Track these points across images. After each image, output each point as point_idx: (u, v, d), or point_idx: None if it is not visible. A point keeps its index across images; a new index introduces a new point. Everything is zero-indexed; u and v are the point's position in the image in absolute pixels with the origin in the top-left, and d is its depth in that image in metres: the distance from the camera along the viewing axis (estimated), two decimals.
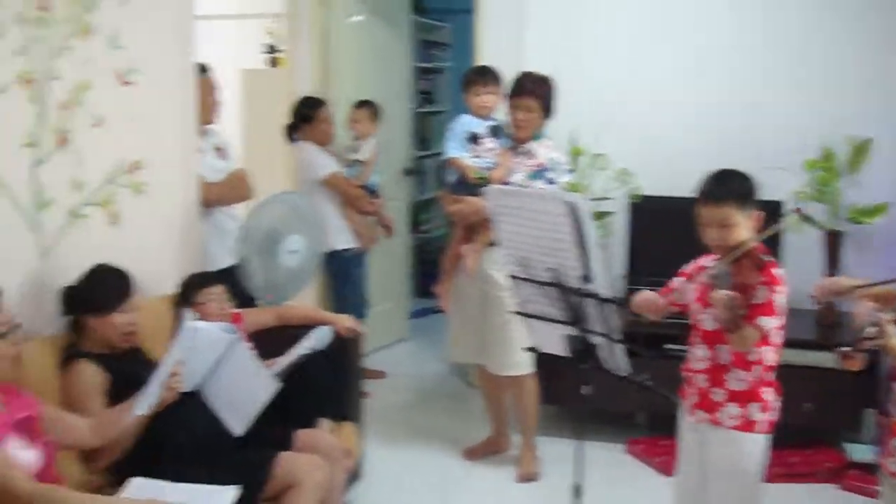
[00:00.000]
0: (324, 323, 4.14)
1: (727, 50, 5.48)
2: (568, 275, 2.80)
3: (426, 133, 8.85)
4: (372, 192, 5.96)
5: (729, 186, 3.11)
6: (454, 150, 4.66)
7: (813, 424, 4.93)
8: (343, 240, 5.84)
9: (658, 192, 5.19)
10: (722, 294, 2.90)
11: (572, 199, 2.74)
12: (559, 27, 5.66)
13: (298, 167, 5.86)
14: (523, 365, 4.68)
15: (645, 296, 3.35)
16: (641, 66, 5.52)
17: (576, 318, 2.83)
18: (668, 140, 5.48)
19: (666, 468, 4.64)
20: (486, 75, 4.73)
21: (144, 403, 3.13)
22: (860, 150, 5.11)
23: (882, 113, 5.24)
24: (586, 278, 2.74)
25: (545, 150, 4.62)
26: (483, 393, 5.12)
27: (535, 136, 4.64)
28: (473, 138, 4.66)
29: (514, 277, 3.00)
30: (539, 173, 4.56)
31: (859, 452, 4.78)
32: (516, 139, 4.66)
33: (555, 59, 5.11)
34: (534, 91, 4.58)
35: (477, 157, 4.64)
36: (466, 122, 4.70)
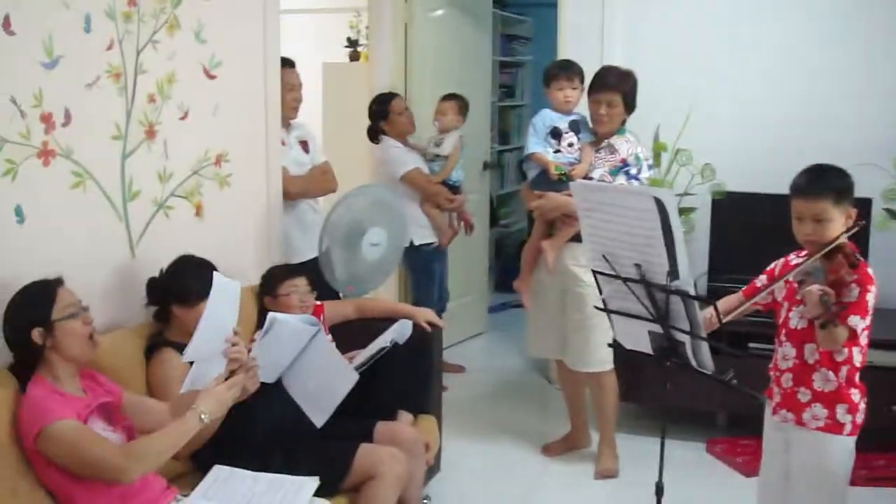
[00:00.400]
0: (404, 316, 4.16)
1: (810, 46, 5.38)
2: (654, 271, 2.78)
3: (506, 127, 8.84)
4: (453, 187, 5.95)
5: (826, 181, 3.07)
6: (536, 145, 4.63)
7: None
8: (423, 235, 5.85)
9: (741, 188, 5.12)
10: (815, 288, 2.85)
11: (660, 194, 2.71)
12: (642, 21, 5.60)
13: (379, 164, 5.89)
14: (603, 361, 4.64)
15: (726, 303, 3.30)
16: (725, 62, 5.44)
17: (661, 315, 2.80)
18: (751, 137, 5.40)
19: (747, 468, 4.59)
20: (569, 70, 4.69)
21: (190, 353, 3.09)
22: None
23: None
24: (673, 275, 2.71)
25: (627, 146, 4.56)
26: (562, 389, 5.10)
27: (618, 131, 4.59)
28: (555, 133, 4.63)
29: (598, 273, 2.98)
30: (620, 169, 4.51)
31: None
32: (598, 134, 4.63)
33: (638, 53, 5.07)
34: (616, 85, 4.53)
35: (558, 151, 4.61)
36: (548, 117, 4.67)
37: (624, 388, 4.84)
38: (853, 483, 4.26)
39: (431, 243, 5.89)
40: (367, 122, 5.97)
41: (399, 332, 3.96)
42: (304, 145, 4.96)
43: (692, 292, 2.76)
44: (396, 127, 5.80)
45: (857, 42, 5.32)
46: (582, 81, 4.68)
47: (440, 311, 6.00)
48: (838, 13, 5.35)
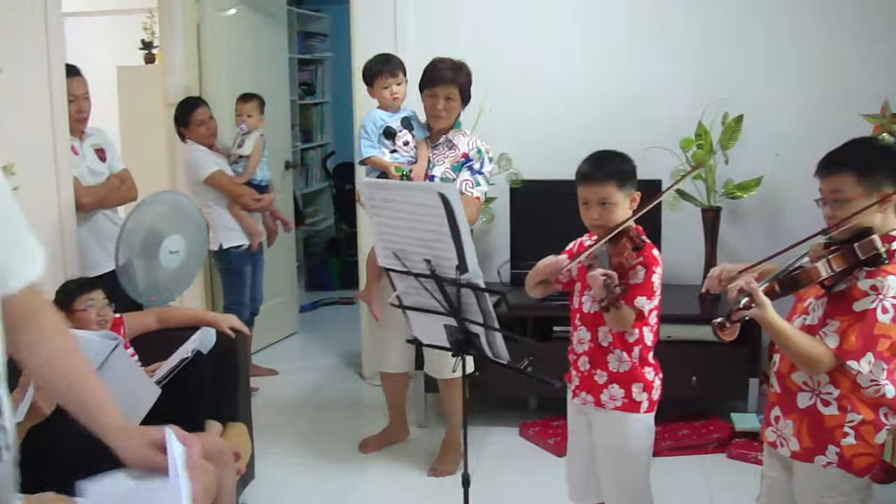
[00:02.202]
0: (207, 324, 4.07)
1: (602, 33, 5.54)
2: (444, 266, 2.80)
3: (308, 125, 8.78)
4: (261, 187, 5.86)
5: (609, 166, 3.15)
6: (370, 148, 4.48)
7: (700, 397, 5.04)
8: (232, 237, 5.75)
9: (538, 176, 5.20)
10: (598, 272, 2.93)
11: (444, 189, 2.73)
12: (435, 13, 5.64)
13: (183, 168, 5.75)
14: (467, 366, 4.49)
15: (547, 260, 3.24)
16: (518, 51, 5.53)
17: (454, 309, 2.83)
18: (545, 124, 5.51)
19: (558, 449, 4.68)
20: (393, 65, 4.55)
21: None
22: (732, 127, 5.20)
23: (751, 89, 5.35)
24: (462, 268, 2.74)
25: (467, 140, 4.51)
26: (385, 388, 4.98)
27: (454, 125, 4.54)
28: (388, 133, 4.49)
29: (390, 270, 2.98)
30: (463, 164, 4.47)
31: (745, 422, 4.87)
32: (434, 129, 4.54)
33: (431, 45, 5.08)
34: (454, 78, 4.44)
35: (395, 151, 4.49)
36: (378, 117, 4.52)
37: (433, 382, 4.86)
38: (659, 454, 4.44)
39: (241, 246, 5.78)
40: (166, 126, 5.85)
41: (201, 340, 3.88)
42: (101, 153, 4.81)
43: (482, 284, 2.79)
44: (196, 136, 5.67)
45: (640, 33, 5.51)
46: (405, 74, 4.58)
47: (253, 315, 5.93)
48: (625, 6, 5.52)
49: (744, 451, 4.69)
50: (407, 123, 4.53)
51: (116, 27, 6.93)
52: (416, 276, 2.85)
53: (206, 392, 3.85)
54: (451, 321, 2.88)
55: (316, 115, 8.93)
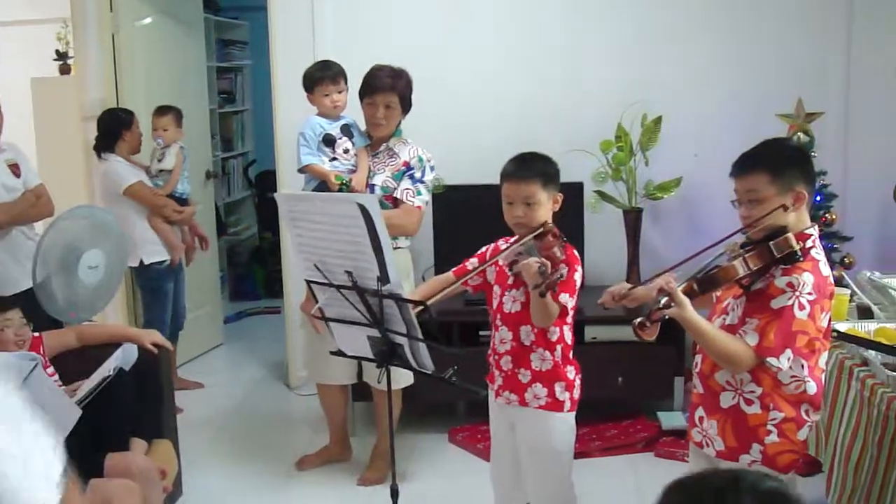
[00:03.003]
0: (129, 340, 4.01)
1: (521, 38, 5.58)
2: (365, 276, 2.79)
3: (228, 133, 8.69)
4: (181, 200, 5.76)
5: (534, 167, 3.20)
6: (309, 155, 4.40)
7: (627, 397, 5.10)
8: (153, 252, 5.63)
9: (459, 181, 5.20)
10: (532, 260, 2.94)
11: (364, 200, 2.72)
12: (352, 19, 5.63)
13: (101, 181, 5.63)
14: (409, 376, 4.42)
15: (431, 282, 3.34)
16: (437, 55, 5.52)
17: (377, 320, 2.82)
18: (465, 129, 5.53)
19: (487, 454, 4.65)
20: (334, 72, 4.50)
21: None
22: (651, 129, 5.25)
23: (669, 91, 5.41)
24: (383, 279, 2.73)
25: (408, 149, 4.47)
26: (325, 405, 4.85)
27: (394, 133, 4.50)
28: (328, 140, 4.44)
29: (311, 282, 2.96)
30: (404, 173, 4.43)
31: (671, 420, 4.93)
32: (374, 137, 4.50)
33: (349, 53, 5.06)
34: (393, 86, 4.41)
35: (335, 159, 4.43)
36: (317, 124, 4.46)
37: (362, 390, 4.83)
38: (588, 454, 4.48)
39: (163, 261, 5.67)
40: (83, 139, 5.74)
41: (123, 357, 3.81)
42: (15, 168, 4.70)
43: (404, 295, 2.79)
44: (127, 146, 5.57)
45: (558, 37, 5.54)
46: (346, 82, 4.53)
47: (176, 330, 5.84)
48: (547, 8, 5.56)
49: (671, 450, 4.73)
50: (347, 131, 4.49)
51: (30, 38, 6.79)
52: (338, 287, 2.83)
53: (129, 410, 3.80)
54: (375, 332, 2.87)
55: (236, 124, 8.84)
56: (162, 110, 5.75)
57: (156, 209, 5.62)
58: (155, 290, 5.72)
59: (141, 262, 5.58)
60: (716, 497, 1.49)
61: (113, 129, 5.57)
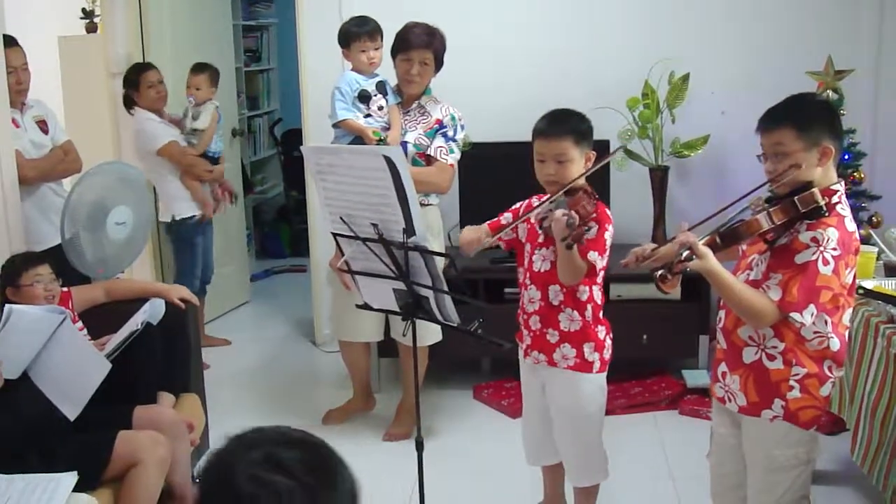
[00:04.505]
0: (156, 295, 4.03)
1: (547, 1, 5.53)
2: (391, 229, 2.80)
3: (254, 92, 8.69)
4: (214, 159, 5.80)
5: (567, 123, 3.19)
6: (345, 111, 4.38)
7: (651, 355, 5.10)
8: (184, 208, 5.69)
9: (485, 138, 5.18)
10: (560, 212, 2.94)
11: (389, 152, 2.72)
12: None
13: (135, 137, 5.67)
14: (438, 332, 4.48)
15: (468, 233, 3.30)
16: (463, 14, 5.47)
17: (402, 273, 2.83)
18: (492, 86, 5.49)
19: (512, 410, 4.71)
20: (372, 29, 4.47)
21: None
22: (678, 86, 5.22)
23: (697, 48, 5.36)
24: (409, 232, 2.74)
25: (440, 107, 4.49)
26: (348, 360, 4.90)
27: (425, 92, 4.51)
28: (363, 97, 4.42)
29: (337, 235, 2.98)
30: (437, 131, 4.44)
31: (695, 378, 4.93)
32: (406, 95, 4.50)
33: (377, 9, 5.04)
34: (430, 43, 4.40)
35: (369, 116, 4.42)
36: (353, 80, 4.44)
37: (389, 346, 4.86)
38: (612, 412, 4.49)
39: (193, 216, 5.72)
40: (109, 96, 5.77)
41: (150, 312, 3.84)
42: (43, 125, 4.72)
43: (429, 247, 2.79)
44: (146, 100, 5.59)
45: None
46: (383, 39, 4.50)
47: (204, 284, 5.89)
48: None
49: (695, 408, 4.75)
50: (381, 88, 4.48)
51: None
52: (364, 240, 2.84)
53: (157, 364, 3.83)
54: (400, 285, 2.88)
55: (262, 82, 8.83)
56: (199, 68, 5.78)
57: (188, 168, 5.66)
58: (185, 245, 5.79)
59: (172, 217, 5.65)
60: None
61: (129, 79, 5.62)
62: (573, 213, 2.94)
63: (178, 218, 5.67)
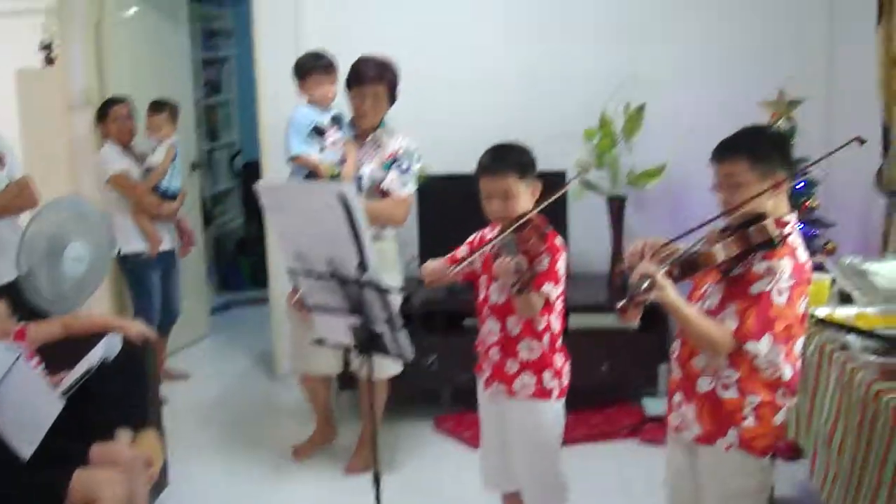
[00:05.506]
0: (114, 330, 4.01)
1: (505, 26, 5.59)
2: (345, 265, 2.80)
3: (214, 124, 8.68)
4: (170, 196, 5.74)
5: (509, 158, 3.18)
6: (299, 145, 4.36)
7: (611, 384, 5.12)
8: (130, 243, 5.63)
9: (444, 170, 5.20)
10: (506, 259, 2.95)
11: (343, 189, 2.73)
12: (336, 8, 5.62)
13: (94, 167, 5.66)
14: (395, 365, 4.43)
15: (432, 265, 3.32)
16: (418, 45, 5.50)
17: (357, 308, 2.83)
18: (450, 119, 5.52)
19: (474, 442, 4.68)
20: (326, 63, 4.49)
21: None
22: (635, 117, 5.26)
23: (653, 79, 5.41)
24: (363, 267, 2.74)
25: (395, 140, 4.49)
26: (310, 392, 4.88)
27: (379, 124, 4.51)
28: (318, 131, 4.42)
29: (293, 271, 2.97)
30: (392, 164, 4.44)
31: (655, 407, 4.95)
32: (360, 128, 4.51)
33: (333, 40, 5.05)
34: (382, 77, 4.43)
35: (323, 150, 4.41)
36: (307, 115, 4.43)
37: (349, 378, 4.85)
38: (572, 442, 4.48)
39: (141, 253, 5.66)
40: (68, 130, 5.81)
41: (107, 348, 3.81)
42: (0, 159, 4.69)
43: (386, 281, 2.80)
44: (112, 133, 5.59)
45: (546, 23, 5.56)
46: (337, 73, 4.52)
47: (169, 324, 5.84)
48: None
49: (655, 436, 4.76)
50: (336, 122, 4.49)
51: (14, 29, 6.75)
52: (318, 276, 2.84)
53: (114, 400, 3.81)
54: (356, 321, 2.88)
55: (222, 114, 8.84)
56: (157, 107, 5.75)
57: (136, 201, 5.63)
58: (137, 280, 5.73)
59: (119, 251, 5.59)
60: None
61: (98, 112, 5.65)
62: (520, 258, 2.95)
63: (123, 252, 5.62)
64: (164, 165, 5.68)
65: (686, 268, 2.77)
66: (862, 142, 3.03)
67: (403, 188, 4.45)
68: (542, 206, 3.13)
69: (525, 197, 3.16)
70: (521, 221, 3.06)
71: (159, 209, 5.70)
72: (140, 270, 5.70)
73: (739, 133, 2.91)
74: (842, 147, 2.96)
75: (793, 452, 4.18)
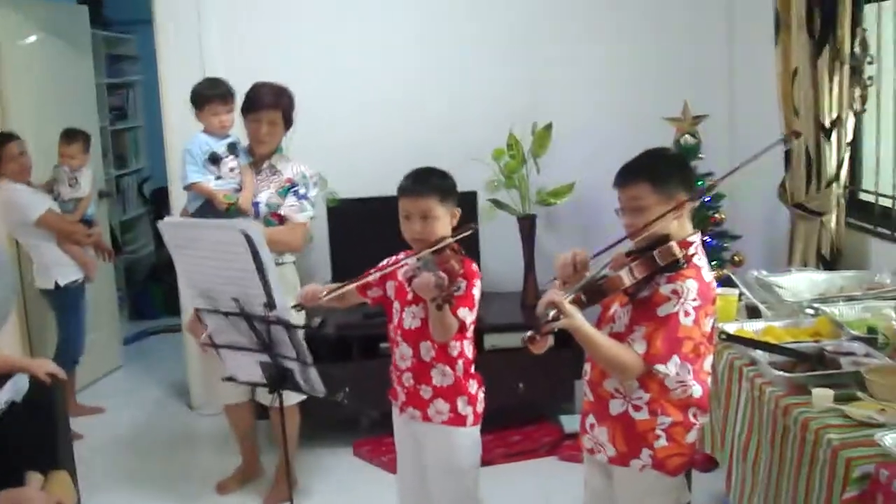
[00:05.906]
0: (19, 370, 3.91)
1: (409, 51, 5.59)
2: (252, 303, 2.77)
3: (122, 150, 8.55)
4: (88, 222, 5.75)
5: (431, 181, 3.20)
6: (195, 174, 4.34)
7: (528, 402, 5.14)
8: (68, 273, 5.60)
9: (354, 194, 5.19)
10: (429, 275, 2.94)
11: (247, 227, 2.71)
12: (240, 33, 5.57)
13: (4, 209, 5.52)
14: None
15: (308, 288, 3.23)
16: (329, 68, 5.52)
17: (266, 346, 2.81)
18: (359, 143, 5.50)
19: (392, 466, 4.65)
20: (223, 92, 4.45)
21: None
22: (542, 136, 5.31)
23: (559, 98, 5.47)
24: (270, 305, 2.72)
25: (291, 165, 4.47)
26: (233, 425, 4.82)
27: (276, 150, 4.49)
28: (213, 159, 4.38)
29: (199, 310, 2.94)
30: (289, 189, 4.41)
31: (573, 423, 4.95)
32: (257, 155, 4.48)
33: (238, 65, 5.02)
34: (278, 103, 4.41)
35: (220, 178, 4.38)
36: (204, 142, 4.40)
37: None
38: (493, 462, 4.51)
39: (77, 280, 5.64)
40: None
41: (14, 389, 3.72)
42: None
43: (291, 320, 2.78)
44: (9, 172, 5.45)
45: (450, 45, 5.58)
46: (234, 101, 4.49)
47: (74, 363, 5.73)
48: (439, 17, 5.60)
49: (575, 453, 4.75)
50: (232, 149, 4.45)
51: None
52: (226, 314, 2.81)
53: (23, 443, 3.71)
54: (265, 357, 2.86)
55: (130, 140, 8.71)
56: (70, 136, 5.69)
57: (68, 235, 5.59)
58: (72, 308, 5.71)
59: (56, 284, 5.54)
60: None
61: None
62: (442, 273, 2.95)
63: (62, 284, 5.56)
64: (91, 195, 5.70)
65: (593, 294, 2.78)
66: (798, 135, 3.06)
67: (300, 213, 4.43)
68: (455, 238, 3.13)
69: (445, 220, 3.18)
70: (441, 245, 3.06)
71: (89, 238, 5.73)
72: (75, 298, 5.69)
73: (640, 157, 2.94)
74: (775, 144, 2.99)
75: (709, 463, 4.22)
